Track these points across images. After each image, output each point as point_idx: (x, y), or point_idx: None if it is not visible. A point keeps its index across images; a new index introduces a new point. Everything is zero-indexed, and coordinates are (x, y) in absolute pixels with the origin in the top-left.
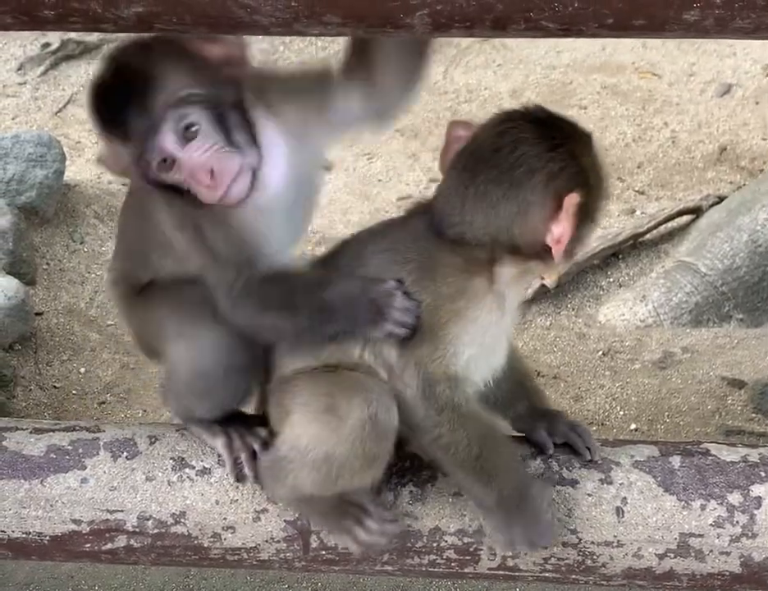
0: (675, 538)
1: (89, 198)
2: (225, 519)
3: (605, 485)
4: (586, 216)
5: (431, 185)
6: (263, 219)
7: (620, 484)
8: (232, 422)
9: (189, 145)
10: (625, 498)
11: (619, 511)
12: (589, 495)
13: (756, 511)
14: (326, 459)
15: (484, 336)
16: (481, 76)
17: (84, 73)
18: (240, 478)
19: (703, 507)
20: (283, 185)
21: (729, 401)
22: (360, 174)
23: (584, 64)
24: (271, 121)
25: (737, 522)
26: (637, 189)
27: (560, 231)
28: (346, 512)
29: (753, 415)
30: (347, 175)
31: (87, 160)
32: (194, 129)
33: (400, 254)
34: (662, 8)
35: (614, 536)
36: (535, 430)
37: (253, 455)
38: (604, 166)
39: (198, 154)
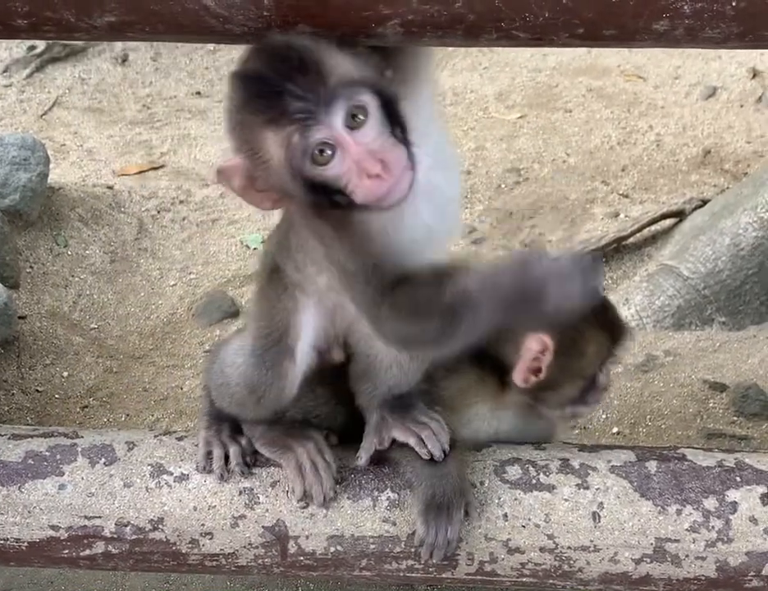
0: (651, 543)
1: (74, 201)
2: (203, 525)
3: (581, 490)
4: (559, 366)
5: None
6: (416, 224)
7: (597, 489)
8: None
9: (357, 131)
10: (602, 503)
11: (595, 516)
12: (566, 500)
13: (731, 516)
14: None
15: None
16: (467, 79)
17: (69, 76)
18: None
19: (679, 512)
20: (435, 185)
21: (711, 404)
22: None
23: (570, 67)
24: (419, 115)
25: (712, 527)
26: (621, 192)
27: (523, 359)
28: None
29: (735, 418)
30: None
31: (71, 163)
32: (361, 116)
33: None
34: (632, 18)
35: (591, 541)
36: None
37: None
38: (593, 347)
39: (367, 141)
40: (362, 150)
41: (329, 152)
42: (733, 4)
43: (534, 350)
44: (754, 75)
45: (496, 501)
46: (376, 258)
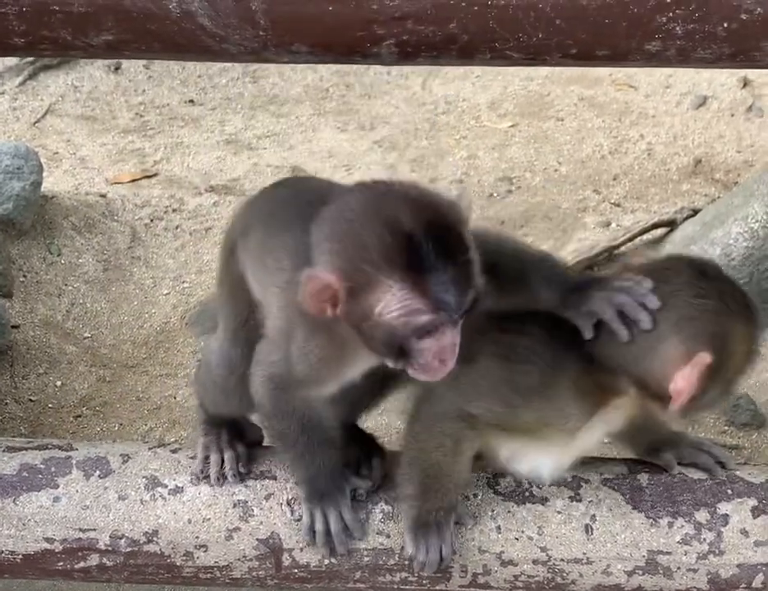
0: (644, 556)
1: (67, 209)
2: (197, 537)
3: (574, 502)
4: (715, 380)
5: None
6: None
7: (589, 502)
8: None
9: (457, 325)
10: (594, 516)
11: (588, 529)
12: (559, 512)
13: (722, 529)
14: None
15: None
16: (459, 88)
17: (62, 83)
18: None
19: (671, 525)
20: None
21: (703, 415)
22: None
23: (561, 76)
24: None
25: (704, 539)
26: (612, 201)
27: (681, 384)
28: None
29: (726, 428)
30: None
31: (64, 171)
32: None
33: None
34: (625, 39)
35: (584, 553)
36: (660, 453)
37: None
38: (755, 343)
39: (451, 339)
40: (451, 341)
41: (426, 332)
42: (725, 25)
43: (694, 379)
44: (744, 85)
45: (490, 513)
46: (307, 375)
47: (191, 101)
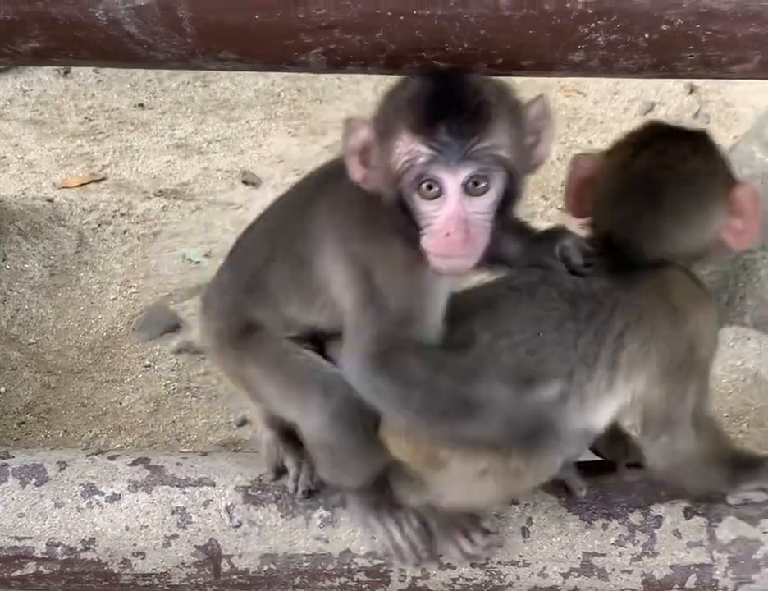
0: (579, 557)
1: (13, 214)
2: (135, 544)
3: (511, 505)
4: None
5: None
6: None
7: (526, 504)
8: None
9: (467, 196)
10: (530, 518)
11: (524, 531)
12: (496, 516)
13: (656, 530)
14: None
15: None
16: None
17: (11, 87)
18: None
19: (605, 527)
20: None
21: None
22: None
23: (511, 82)
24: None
25: (638, 541)
26: (560, 207)
27: (740, 223)
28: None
29: None
30: (275, 191)
31: (11, 176)
32: (481, 188)
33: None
34: (549, 49)
35: (520, 556)
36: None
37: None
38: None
39: (472, 212)
40: (459, 214)
41: (436, 192)
42: (646, 36)
43: (753, 198)
44: (691, 91)
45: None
46: (406, 305)
47: (141, 105)
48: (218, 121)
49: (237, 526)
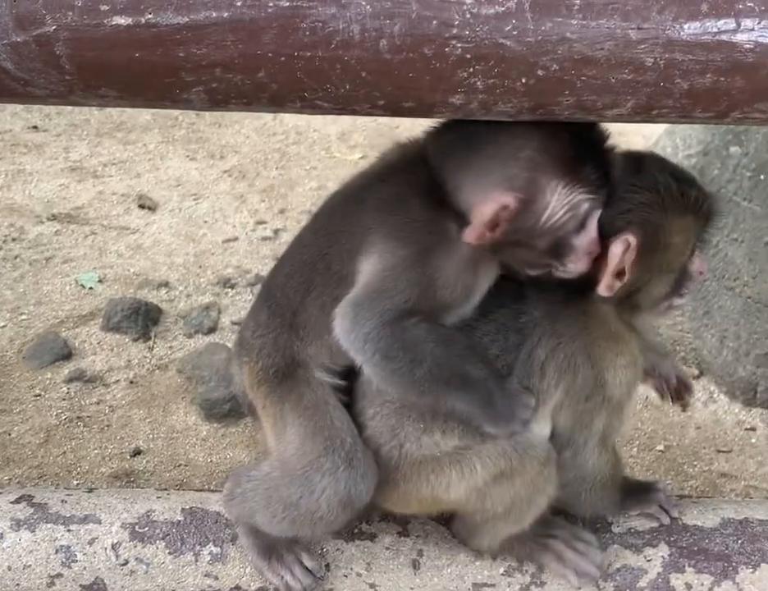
0: (469, 588)
1: None
2: (18, 585)
3: (402, 538)
4: (647, 264)
5: (257, 227)
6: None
7: (417, 536)
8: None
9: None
10: (421, 550)
11: (415, 563)
12: (387, 548)
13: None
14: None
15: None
16: (310, 118)
17: None
18: None
19: (494, 557)
20: None
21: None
22: (186, 215)
23: None
24: None
25: (526, 571)
26: None
27: (610, 257)
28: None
29: None
30: (172, 216)
31: None
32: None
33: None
34: (429, 92)
35: (411, 588)
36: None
37: None
38: (695, 234)
39: (595, 230)
40: (597, 236)
41: (581, 227)
42: (523, 81)
43: (619, 252)
44: None
45: (319, 551)
46: (448, 299)
47: (35, 127)
48: (114, 143)
49: (124, 564)
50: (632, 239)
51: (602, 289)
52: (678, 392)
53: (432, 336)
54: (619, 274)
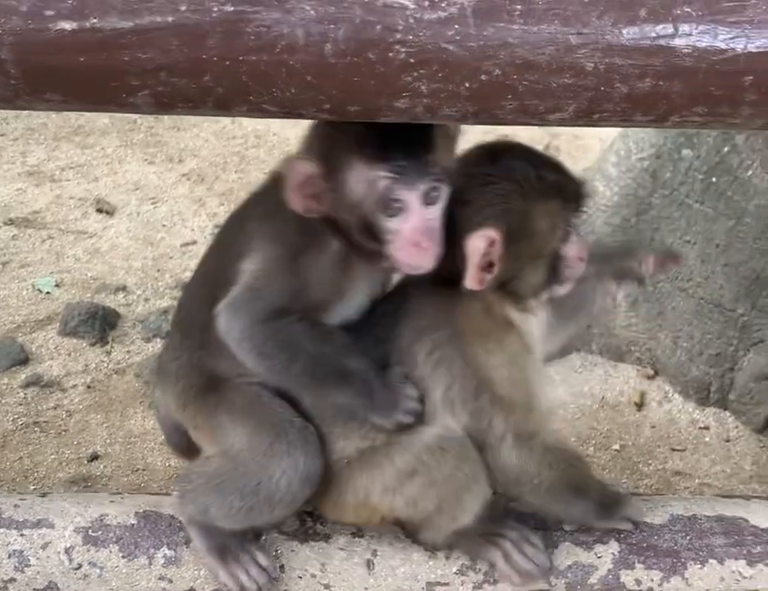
0: (423, 588)
1: None
2: None
3: (356, 538)
4: (515, 254)
5: (216, 230)
6: (368, 295)
7: (371, 537)
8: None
9: (425, 206)
10: (375, 550)
11: (369, 563)
12: (341, 548)
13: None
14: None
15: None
16: (269, 122)
17: None
18: None
19: (448, 556)
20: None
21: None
22: (144, 219)
23: None
24: None
25: (479, 569)
26: None
27: (470, 254)
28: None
29: None
30: (130, 220)
31: None
32: (435, 196)
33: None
34: (374, 96)
35: (366, 588)
36: None
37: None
38: (561, 218)
39: (430, 218)
40: (423, 223)
41: (399, 208)
42: (467, 85)
43: (480, 247)
44: None
45: (274, 553)
46: (322, 298)
47: None
48: (72, 147)
49: (77, 568)
50: (493, 232)
51: (469, 283)
52: (664, 265)
53: (307, 334)
54: (489, 267)
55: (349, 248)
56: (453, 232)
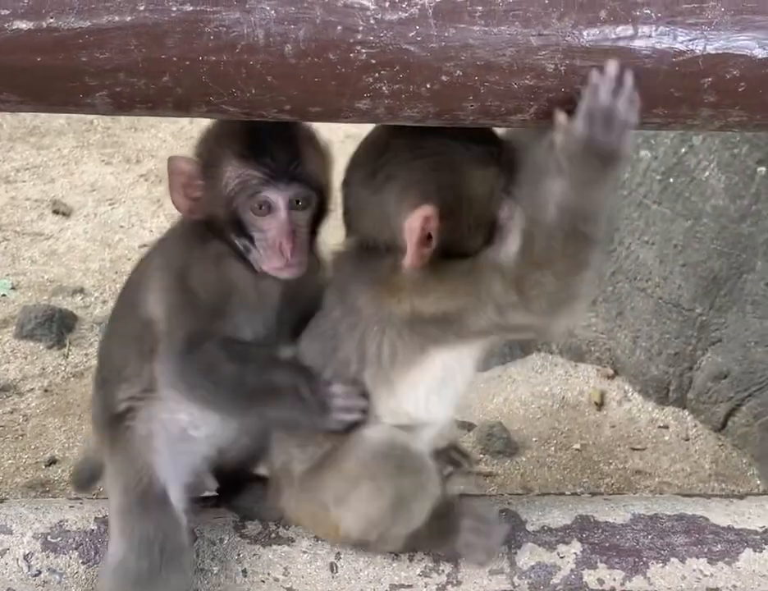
0: (386, 590)
1: None
2: None
3: (320, 541)
4: (454, 224)
5: None
6: (267, 301)
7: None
8: None
9: (293, 211)
10: (339, 553)
11: (333, 567)
12: (305, 552)
13: (459, 560)
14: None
15: None
16: None
17: None
18: None
19: (411, 558)
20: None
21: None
22: (101, 220)
23: None
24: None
25: (442, 571)
26: None
27: (408, 234)
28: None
29: (481, 456)
30: (87, 221)
31: None
32: (303, 204)
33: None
34: (335, 97)
35: None
36: None
37: None
38: (493, 183)
39: (298, 222)
40: (288, 227)
41: (266, 210)
42: (428, 86)
43: (417, 227)
44: None
45: (236, 557)
46: (215, 304)
47: None
48: (28, 148)
49: (36, 575)
50: (428, 209)
51: (409, 262)
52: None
53: (226, 356)
54: (427, 241)
55: (228, 250)
56: (386, 212)
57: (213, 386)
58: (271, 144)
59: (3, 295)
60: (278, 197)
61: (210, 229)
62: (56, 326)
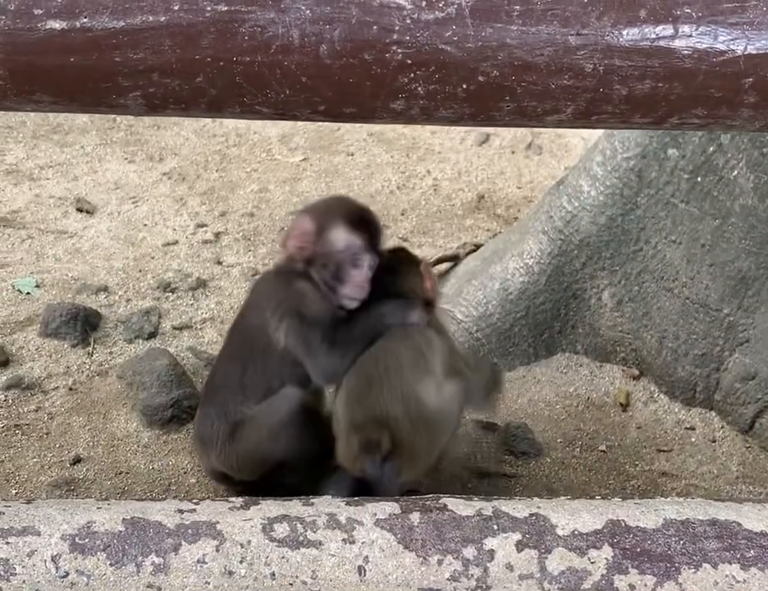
0: None
1: None
2: None
3: (348, 545)
4: None
5: (197, 230)
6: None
7: (362, 543)
8: None
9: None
10: (367, 557)
11: (361, 570)
12: (333, 555)
13: (489, 564)
14: None
15: None
16: (250, 121)
17: None
18: None
19: (440, 562)
20: None
21: (484, 445)
22: (125, 218)
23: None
24: None
25: (472, 575)
26: (400, 236)
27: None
28: None
29: (505, 457)
30: (111, 219)
31: None
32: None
33: None
34: (370, 98)
35: None
36: None
37: None
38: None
39: (366, 272)
40: (365, 277)
41: (358, 263)
42: (464, 87)
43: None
44: None
45: (264, 560)
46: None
47: None
48: (51, 146)
49: (64, 576)
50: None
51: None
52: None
53: (347, 329)
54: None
55: (311, 286)
56: None
57: (358, 347)
58: (368, 219)
59: (28, 293)
60: (367, 258)
61: (297, 272)
62: (80, 324)
